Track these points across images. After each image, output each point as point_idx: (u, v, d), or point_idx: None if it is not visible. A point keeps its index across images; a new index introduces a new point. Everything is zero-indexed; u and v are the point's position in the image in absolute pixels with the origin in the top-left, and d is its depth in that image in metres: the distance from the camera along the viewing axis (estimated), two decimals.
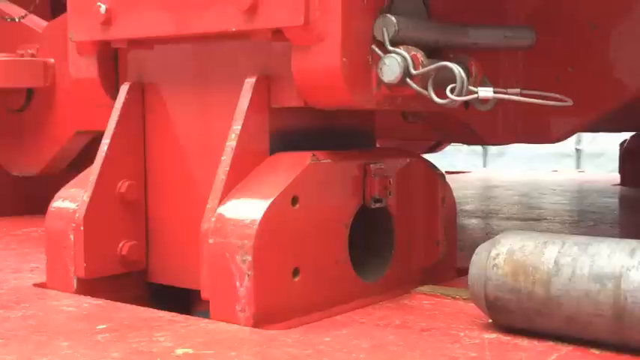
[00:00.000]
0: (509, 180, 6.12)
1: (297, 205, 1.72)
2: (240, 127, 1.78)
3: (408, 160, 2.01)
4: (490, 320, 1.63)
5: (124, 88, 2.07)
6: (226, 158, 1.77)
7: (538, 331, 1.53)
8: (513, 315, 1.53)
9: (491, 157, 11.34)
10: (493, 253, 1.56)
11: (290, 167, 1.76)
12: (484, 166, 11.05)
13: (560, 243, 1.50)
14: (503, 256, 1.54)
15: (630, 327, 1.40)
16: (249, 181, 1.76)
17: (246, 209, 1.69)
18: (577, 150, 13.06)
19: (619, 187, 5.35)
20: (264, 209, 1.66)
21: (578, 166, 12.45)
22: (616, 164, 5.63)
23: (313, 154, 1.78)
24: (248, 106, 1.79)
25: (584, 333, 1.46)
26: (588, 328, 1.44)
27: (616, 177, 5.61)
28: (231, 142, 1.77)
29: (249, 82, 1.81)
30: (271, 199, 1.67)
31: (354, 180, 1.87)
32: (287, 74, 1.78)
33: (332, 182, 1.81)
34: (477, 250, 1.62)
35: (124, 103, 2.05)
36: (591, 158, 12.55)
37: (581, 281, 1.43)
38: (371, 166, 1.88)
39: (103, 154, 2.01)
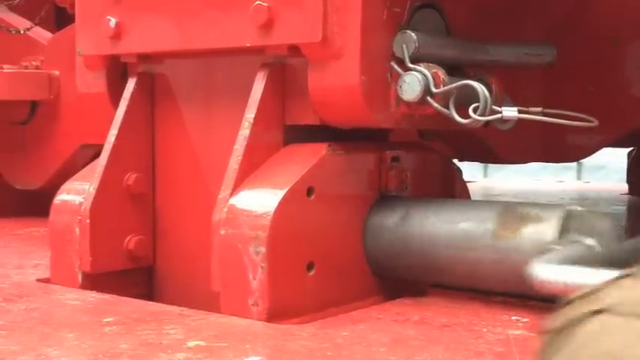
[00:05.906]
0: (514, 189, 6.05)
1: (313, 197, 1.66)
2: (253, 116, 1.71)
3: (425, 154, 1.95)
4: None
5: (132, 79, 2.01)
6: (239, 147, 1.70)
7: None
8: None
9: (493, 169, 11.25)
10: None
11: (305, 157, 1.69)
12: (485, 177, 10.97)
13: None
14: None
15: None
16: (263, 171, 1.70)
17: (260, 199, 1.63)
18: (578, 162, 13.00)
19: (627, 196, 5.27)
20: (279, 199, 1.60)
21: (579, 178, 12.38)
22: (618, 177, 5.55)
23: (329, 145, 1.72)
24: (262, 94, 1.73)
25: None
26: None
27: (623, 187, 5.53)
28: (244, 131, 1.71)
29: (264, 70, 1.75)
30: (286, 189, 1.61)
31: (370, 173, 1.80)
32: (302, 91, 1.71)
33: (348, 174, 1.75)
34: None
35: (132, 94, 1.99)
36: (592, 171, 12.48)
37: None
38: (388, 159, 1.82)
39: (110, 145, 1.95)
